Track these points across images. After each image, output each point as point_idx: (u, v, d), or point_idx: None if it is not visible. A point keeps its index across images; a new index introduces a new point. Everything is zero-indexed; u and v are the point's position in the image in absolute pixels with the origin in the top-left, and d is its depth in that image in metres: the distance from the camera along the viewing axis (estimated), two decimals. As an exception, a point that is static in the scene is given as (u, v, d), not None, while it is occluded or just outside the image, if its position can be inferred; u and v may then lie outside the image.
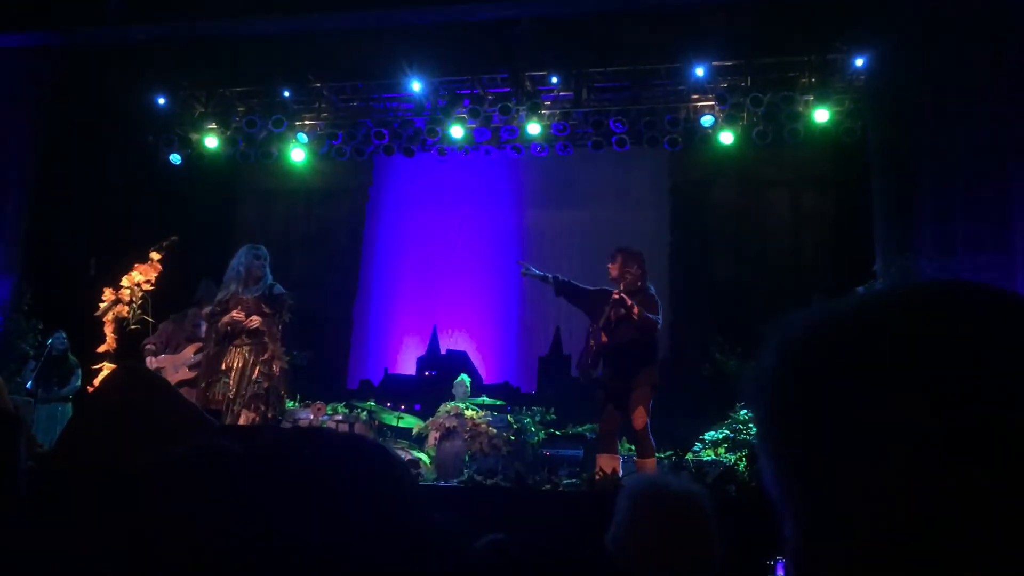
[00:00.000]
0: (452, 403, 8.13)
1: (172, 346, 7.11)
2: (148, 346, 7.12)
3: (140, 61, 9.59)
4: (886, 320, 0.62)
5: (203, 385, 6.25)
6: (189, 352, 6.99)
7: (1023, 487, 0.55)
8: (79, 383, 8.26)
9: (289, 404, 8.58)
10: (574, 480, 6.37)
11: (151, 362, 6.98)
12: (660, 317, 6.42)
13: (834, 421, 0.60)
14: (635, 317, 6.17)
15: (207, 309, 7.25)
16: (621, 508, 2.03)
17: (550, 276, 6.74)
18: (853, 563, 0.59)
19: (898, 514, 0.57)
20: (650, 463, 6.26)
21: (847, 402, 0.60)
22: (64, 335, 8.42)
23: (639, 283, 6.41)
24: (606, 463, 6.23)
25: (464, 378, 8.55)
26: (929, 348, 0.59)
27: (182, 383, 6.80)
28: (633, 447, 6.80)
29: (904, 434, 0.58)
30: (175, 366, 6.96)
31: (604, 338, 6.28)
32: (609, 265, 6.52)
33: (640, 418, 6.19)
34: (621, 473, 6.15)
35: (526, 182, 11.30)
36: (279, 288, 6.36)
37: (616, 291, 6.21)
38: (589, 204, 11.16)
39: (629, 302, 6.14)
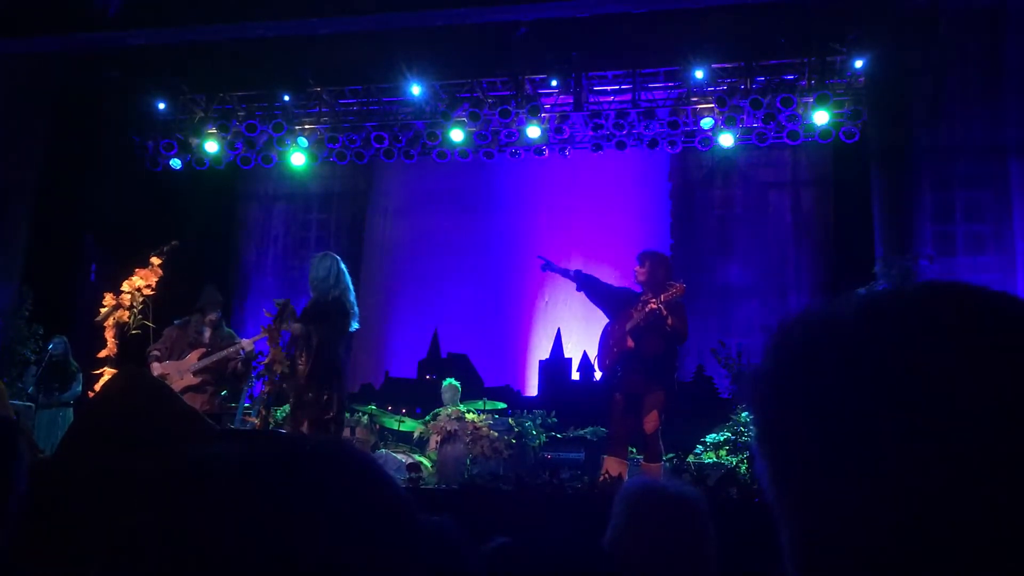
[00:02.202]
0: (452, 407, 8.12)
1: (176, 352, 7.10)
2: (153, 352, 7.12)
3: (140, 66, 9.60)
4: (886, 325, 0.61)
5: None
6: (193, 358, 6.98)
7: (1022, 493, 0.55)
8: (80, 388, 8.26)
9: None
10: (575, 483, 6.36)
11: (155, 368, 6.97)
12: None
13: (833, 425, 0.60)
14: (669, 328, 6.14)
15: (211, 315, 7.22)
16: (618, 511, 2.03)
17: (571, 271, 6.74)
18: (852, 568, 0.59)
19: (897, 519, 0.57)
20: (656, 468, 6.24)
21: (846, 406, 0.60)
22: (64, 340, 8.41)
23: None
24: (614, 466, 6.20)
25: (451, 382, 8.53)
26: (929, 354, 0.59)
27: (186, 389, 6.80)
28: (634, 449, 6.80)
29: (903, 439, 0.57)
30: (179, 372, 6.95)
31: (630, 343, 6.24)
32: (636, 268, 6.46)
33: (652, 422, 6.17)
34: (627, 478, 6.13)
35: (525, 185, 11.30)
36: (333, 296, 6.30)
37: (654, 301, 6.13)
38: (589, 207, 11.15)
39: (665, 313, 6.09)
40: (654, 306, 6.07)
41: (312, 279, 6.27)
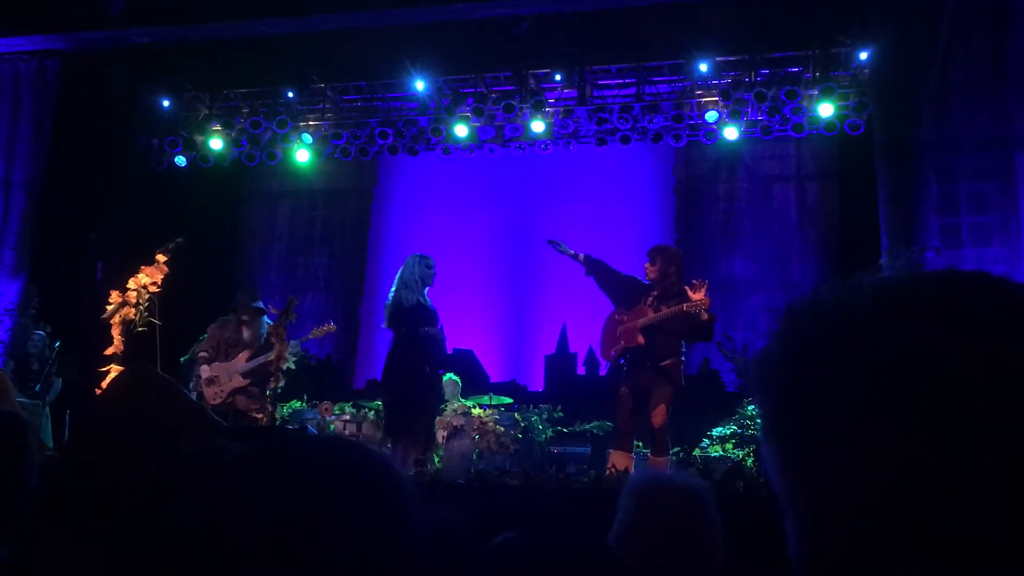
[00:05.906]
0: (455, 402, 8.13)
1: (222, 353, 7.04)
2: (201, 354, 7.06)
3: (144, 64, 9.60)
4: (904, 311, 0.60)
5: None
6: (241, 359, 6.95)
7: None
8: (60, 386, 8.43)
9: (296, 404, 8.60)
10: (582, 477, 6.37)
11: (205, 371, 6.93)
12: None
13: (846, 412, 0.59)
14: (702, 323, 6.17)
15: (244, 315, 7.09)
16: (624, 505, 2.03)
17: (581, 255, 6.73)
18: (857, 559, 0.59)
19: (903, 511, 0.57)
20: (663, 461, 6.24)
21: (860, 393, 0.59)
22: (43, 333, 8.58)
23: (678, 287, 6.35)
24: (620, 461, 6.20)
25: (451, 377, 8.53)
26: (940, 343, 0.58)
27: (237, 391, 6.78)
28: (640, 443, 6.79)
29: (919, 428, 0.57)
30: (228, 374, 6.90)
31: (640, 339, 6.22)
32: (647, 265, 6.43)
33: (660, 415, 6.16)
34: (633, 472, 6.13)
35: (530, 180, 11.28)
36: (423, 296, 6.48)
37: (688, 304, 6.10)
38: (594, 201, 11.13)
39: (707, 326, 6.14)
40: (689, 308, 6.07)
41: (412, 282, 6.44)
